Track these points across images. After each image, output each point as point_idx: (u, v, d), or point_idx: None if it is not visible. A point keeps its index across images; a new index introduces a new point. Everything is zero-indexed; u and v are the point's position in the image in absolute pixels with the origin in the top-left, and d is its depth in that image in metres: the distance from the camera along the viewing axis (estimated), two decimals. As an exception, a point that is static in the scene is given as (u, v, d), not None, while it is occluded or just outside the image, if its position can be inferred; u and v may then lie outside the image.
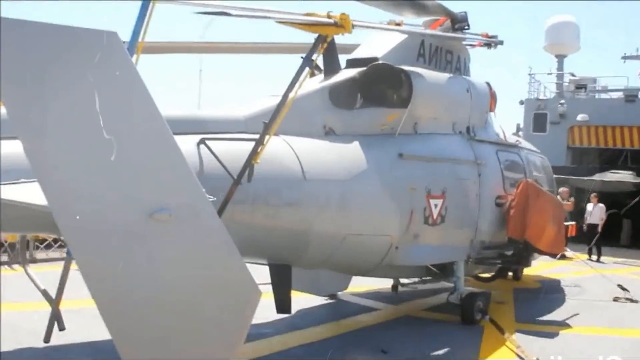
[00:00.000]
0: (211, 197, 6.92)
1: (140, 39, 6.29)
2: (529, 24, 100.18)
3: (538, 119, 33.11)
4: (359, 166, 8.93)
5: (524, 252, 11.92)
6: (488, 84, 12.19)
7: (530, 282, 16.25)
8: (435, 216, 9.98)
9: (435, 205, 9.98)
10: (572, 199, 24.25)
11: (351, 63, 10.35)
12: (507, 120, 74.51)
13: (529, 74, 35.12)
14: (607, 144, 31.49)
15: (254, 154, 7.16)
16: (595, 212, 22.70)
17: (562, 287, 15.82)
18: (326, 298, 12.23)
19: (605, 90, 34.87)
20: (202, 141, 7.35)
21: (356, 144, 9.17)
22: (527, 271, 16.98)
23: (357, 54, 10.54)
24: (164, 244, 4.59)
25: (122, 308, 4.48)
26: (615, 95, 33.88)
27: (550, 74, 35.63)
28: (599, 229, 22.37)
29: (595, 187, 27.44)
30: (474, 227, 10.95)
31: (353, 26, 7.36)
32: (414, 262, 9.99)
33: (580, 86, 35.36)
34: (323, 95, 9.23)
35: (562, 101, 32.85)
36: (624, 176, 27.80)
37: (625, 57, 36.57)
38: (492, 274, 13.36)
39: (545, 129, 32.84)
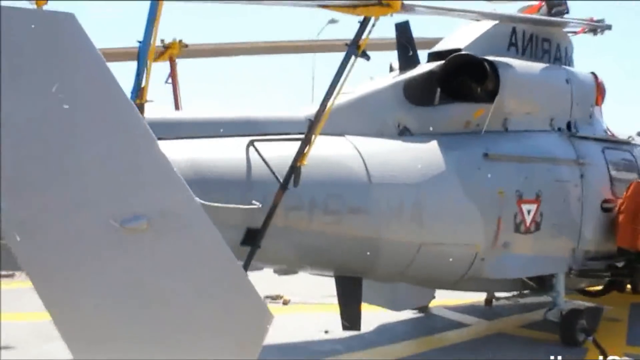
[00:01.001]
0: (257, 203, 6.32)
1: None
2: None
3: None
4: (436, 168, 8.00)
5: (637, 264, 10.51)
6: (594, 74, 10.89)
7: (651, 294, 14.61)
8: (528, 223, 8.87)
9: (529, 211, 8.87)
10: None
11: (432, 57, 9.42)
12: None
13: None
14: None
15: (299, 155, 6.40)
16: None
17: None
18: (414, 312, 11.30)
19: None
20: (251, 143, 6.68)
21: (434, 143, 8.25)
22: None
23: (439, 47, 9.57)
24: (140, 260, 3.82)
25: (85, 336, 3.76)
26: None
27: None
28: None
29: None
30: (576, 235, 9.71)
31: (403, 5, 6.42)
32: (504, 274, 8.90)
33: None
34: (396, 91, 8.37)
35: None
36: None
37: None
38: (601, 287, 11.87)
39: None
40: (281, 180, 6.39)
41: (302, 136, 6.67)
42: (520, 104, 9.31)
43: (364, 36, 6.37)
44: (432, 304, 11.72)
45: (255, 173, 6.55)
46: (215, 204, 6.14)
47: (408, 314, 10.96)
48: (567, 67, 10.37)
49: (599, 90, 10.96)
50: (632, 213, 9.92)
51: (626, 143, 11.36)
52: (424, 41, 10.02)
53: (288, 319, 9.68)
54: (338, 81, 6.47)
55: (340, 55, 6.54)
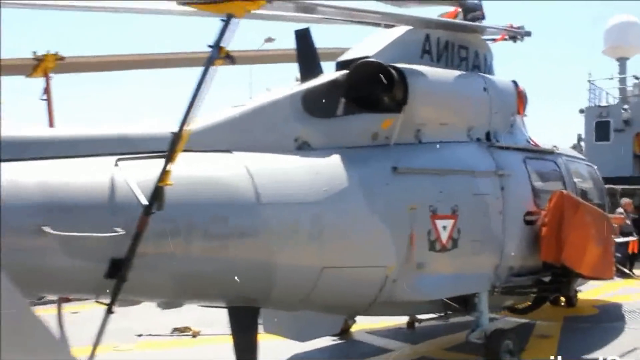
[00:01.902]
0: (120, 230, 5.59)
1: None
2: (586, 29, 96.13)
3: (600, 128, 30.65)
4: (338, 184, 7.36)
5: (563, 278, 10.01)
6: (515, 82, 10.44)
7: (586, 308, 14.17)
8: (444, 240, 8.30)
9: (444, 227, 8.30)
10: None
11: (340, 66, 8.78)
12: (568, 131, 71.58)
13: (589, 81, 32.64)
14: (677, 149, 28.81)
15: (162, 174, 5.65)
16: (666, 225, 20.38)
17: (623, 313, 13.75)
18: (334, 338, 10.63)
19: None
20: (116, 162, 5.95)
21: (336, 158, 7.61)
22: (585, 295, 14.97)
23: (346, 56, 8.95)
24: None
25: None
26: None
27: (612, 78, 33.03)
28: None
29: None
30: (498, 250, 9.18)
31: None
32: (420, 296, 8.29)
33: (647, 89, 32.70)
34: (294, 102, 7.71)
35: (626, 106, 30.35)
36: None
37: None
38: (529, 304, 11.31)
39: (608, 137, 30.37)
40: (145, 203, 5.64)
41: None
42: (434, 114, 8.77)
43: (226, 37, 5.68)
44: (354, 327, 11.15)
45: (120, 196, 5.80)
46: (71, 233, 5.42)
47: (327, 340, 10.29)
48: (486, 75, 9.86)
49: (521, 99, 10.50)
50: (555, 225, 9.44)
51: (550, 153, 10.91)
52: (334, 52, 9.42)
53: (193, 353, 8.91)
54: (200, 89, 5.75)
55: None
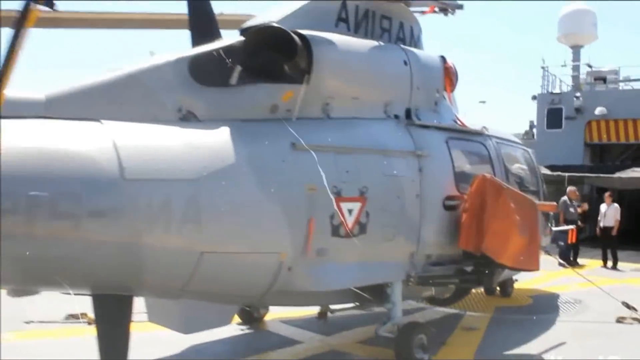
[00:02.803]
0: None
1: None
2: (541, 16, 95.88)
3: (552, 115, 30.39)
4: (221, 160, 6.53)
5: (485, 269, 9.33)
6: (442, 57, 9.72)
7: (521, 298, 13.68)
8: (350, 225, 7.54)
9: (350, 211, 7.55)
10: (584, 204, 21.66)
11: (241, 34, 7.92)
12: (521, 118, 71.77)
13: (542, 67, 32.30)
14: (628, 138, 28.56)
15: None
16: (610, 214, 20.02)
17: (558, 304, 13.24)
18: (242, 327, 9.87)
19: (625, 80, 31.85)
20: None
21: (225, 131, 6.79)
22: (523, 284, 14.44)
23: (250, 23, 8.07)
24: None
25: None
26: (636, 85, 30.88)
27: (565, 66, 32.77)
28: (614, 232, 19.69)
29: (615, 186, 24.88)
30: (414, 237, 8.46)
31: None
32: (322, 286, 7.52)
33: (599, 78, 32.46)
34: (179, 68, 6.84)
35: (578, 94, 30.04)
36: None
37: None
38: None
39: (560, 124, 30.13)
40: None
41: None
42: (344, 87, 7.99)
43: None
44: (270, 316, 10.42)
45: None
46: None
47: (235, 330, 9.54)
48: (407, 48, 9.09)
49: (448, 75, 9.79)
50: (476, 212, 8.73)
51: (478, 134, 10.18)
52: (239, 19, 8.54)
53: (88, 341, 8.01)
54: (15, 46, 4.87)
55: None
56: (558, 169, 26.19)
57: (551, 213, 12.87)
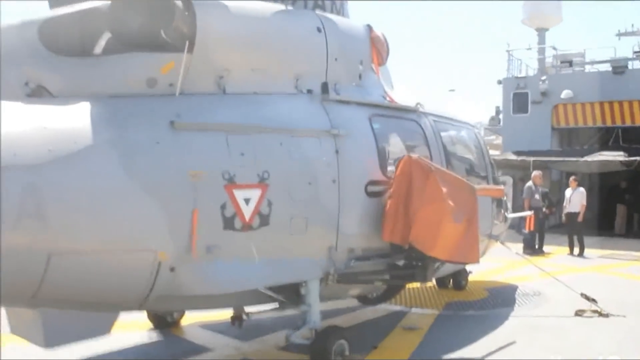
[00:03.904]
0: None
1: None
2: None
3: (518, 99, 29.37)
4: (74, 142, 5.42)
5: (418, 262, 8.22)
6: (368, 26, 8.64)
7: (476, 291, 12.62)
8: (248, 216, 6.46)
9: (247, 200, 6.46)
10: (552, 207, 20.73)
11: None
12: (487, 104, 70.97)
13: (507, 51, 31.31)
14: (595, 122, 27.69)
15: None
16: (575, 199, 19.08)
17: (516, 296, 12.23)
18: (151, 335, 8.77)
19: (591, 62, 30.97)
20: None
21: (83, 109, 5.68)
22: (480, 275, 13.39)
23: None
24: None
25: None
26: (602, 67, 29.98)
27: (530, 49, 31.80)
28: (580, 218, 18.78)
29: (582, 170, 24.09)
30: (332, 229, 7.38)
31: None
32: (214, 288, 6.41)
33: (565, 61, 31.55)
34: (26, 34, 5.74)
35: (544, 77, 29.10)
36: (615, 156, 24.06)
37: (620, 34, 33.18)
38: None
39: (526, 109, 29.12)
40: None
41: None
42: (242, 57, 6.91)
43: None
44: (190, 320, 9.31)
45: None
46: None
47: (141, 337, 8.44)
48: (323, 14, 7.99)
49: (376, 46, 8.71)
50: (401, 198, 7.64)
51: (411, 111, 9.08)
52: None
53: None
54: None
55: None
56: (524, 154, 25.33)
57: (504, 198, 11.82)
